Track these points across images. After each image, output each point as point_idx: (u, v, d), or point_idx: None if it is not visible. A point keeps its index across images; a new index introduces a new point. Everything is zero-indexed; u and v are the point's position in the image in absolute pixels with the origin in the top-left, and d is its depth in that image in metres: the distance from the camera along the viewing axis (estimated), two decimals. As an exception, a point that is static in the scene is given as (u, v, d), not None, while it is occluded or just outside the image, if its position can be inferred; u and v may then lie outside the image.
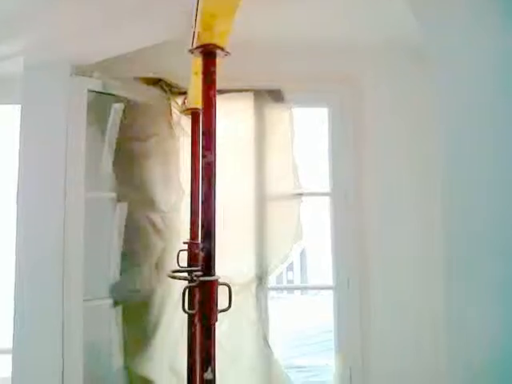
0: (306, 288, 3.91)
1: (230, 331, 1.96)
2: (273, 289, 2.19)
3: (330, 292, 2.15)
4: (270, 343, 2.01)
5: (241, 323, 1.99)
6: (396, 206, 2.09)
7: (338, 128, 2.19)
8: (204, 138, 1.30)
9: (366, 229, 2.09)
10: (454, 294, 0.91)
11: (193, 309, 1.29)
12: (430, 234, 2.02)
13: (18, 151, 1.79)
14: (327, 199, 2.17)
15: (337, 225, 2.14)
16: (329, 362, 2.11)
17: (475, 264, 0.86)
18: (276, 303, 2.25)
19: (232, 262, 1.92)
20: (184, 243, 1.95)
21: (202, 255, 1.29)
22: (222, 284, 1.32)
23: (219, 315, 1.38)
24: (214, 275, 1.30)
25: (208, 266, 1.28)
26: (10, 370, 1.72)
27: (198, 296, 1.27)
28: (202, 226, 1.29)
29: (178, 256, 1.93)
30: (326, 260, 2.26)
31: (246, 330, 1.99)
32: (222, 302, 1.31)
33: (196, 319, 1.28)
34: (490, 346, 0.80)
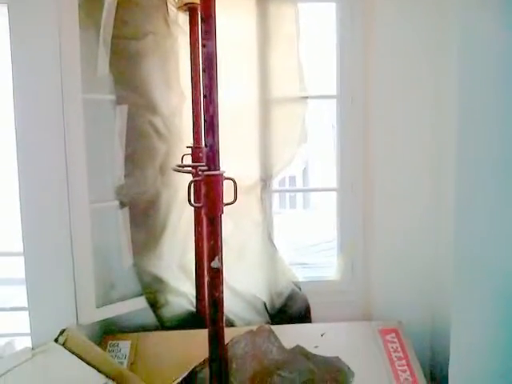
0: (309, 190, 3.98)
1: (236, 231, 2.01)
2: (277, 191, 2.20)
3: (333, 208, 2.17)
4: (274, 242, 2.08)
5: (246, 224, 2.04)
6: (404, 110, 2.03)
7: (346, 26, 2.05)
8: (203, 26, 1.22)
9: (371, 132, 2.06)
10: (463, 195, 0.89)
11: (199, 202, 1.31)
12: (439, 137, 1.99)
13: (9, 56, 1.71)
14: (333, 102, 2.11)
15: (342, 128, 2.10)
16: (331, 261, 2.20)
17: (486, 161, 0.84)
18: (278, 218, 2.29)
19: (236, 165, 1.91)
20: (187, 147, 1.95)
21: (206, 150, 1.28)
22: (227, 178, 1.33)
23: (224, 217, 1.42)
24: (218, 170, 1.30)
25: (213, 160, 1.28)
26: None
27: (203, 189, 1.28)
28: (205, 121, 1.26)
29: (182, 160, 1.94)
30: (328, 176, 2.25)
31: (251, 230, 2.05)
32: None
33: (202, 212, 1.30)
34: (499, 250, 0.80)
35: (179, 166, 1.70)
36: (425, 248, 2.07)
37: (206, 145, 1.27)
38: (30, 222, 1.74)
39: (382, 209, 2.07)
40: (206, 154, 1.28)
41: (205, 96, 1.23)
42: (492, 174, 0.79)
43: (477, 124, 0.81)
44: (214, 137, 1.26)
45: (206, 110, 1.23)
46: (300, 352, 1.37)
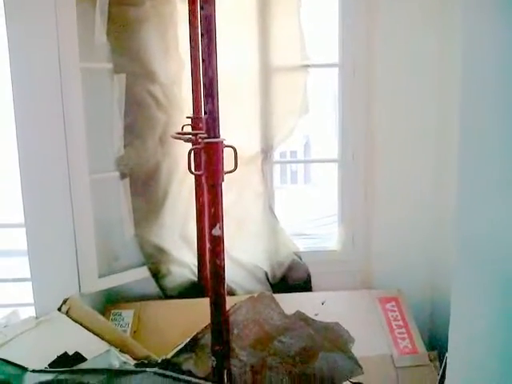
0: (310, 161, 3.96)
1: (237, 202, 2.01)
2: (278, 162, 2.19)
3: (334, 182, 2.15)
4: (275, 213, 2.08)
5: (247, 195, 2.04)
6: (407, 80, 2.00)
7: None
8: (202, -13, 1.19)
9: (374, 102, 2.03)
10: (466, 165, 0.87)
11: (199, 171, 1.30)
12: (443, 106, 1.96)
13: (5, 27, 1.68)
14: (335, 71, 2.07)
15: (344, 97, 2.07)
16: (332, 232, 2.20)
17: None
18: (279, 193, 2.28)
19: (237, 136, 1.90)
20: (187, 118, 1.92)
21: (205, 117, 1.27)
22: (227, 146, 1.32)
23: (225, 188, 1.41)
24: (218, 137, 1.28)
25: (212, 127, 1.26)
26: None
27: (203, 157, 1.27)
28: (204, 86, 1.24)
29: (182, 130, 1.92)
30: (329, 150, 2.23)
31: (252, 200, 2.05)
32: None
33: (203, 180, 1.30)
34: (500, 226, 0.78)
35: (179, 134, 1.68)
36: (426, 218, 2.08)
37: (205, 111, 1.25)
38: (30, 194, 1.74)
39: (383, 179, 2.07)
40: (206, 121, 1.26)
41: (203, 60, 1.21)
42: (499, 142, 0.78)
43: (482, 93, 0.79)
44: (213, 102, 1.24)
45: (205, 74, 1.21)
46: (300, 317, 1.38)
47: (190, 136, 1.56)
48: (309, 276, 2.10)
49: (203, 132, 1.28)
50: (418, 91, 2.00)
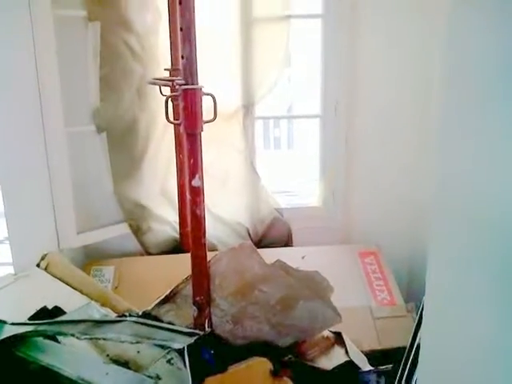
0: (292, 117, 3.94)
1: (218, 159, 1.99)
2: (260, 118, 2.16)
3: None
4: (256, 170, 2.06)
5: (228, 151, 2.02)
6: (392, 31, 1.95)
7: None
8: None
9: (357, 54, 1.99)
10: (448, 122, 0.86)
11: (178, 119, 1.27)
12: (428, 60, 1.93)
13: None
14: (318, 22, 2.02)
15: (327, 49, 2.02)
16: (313, 188, 2.21)
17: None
18: (262, 158, 2.26)
19: (217, 90, 1.86)
20: (165, 70, 1.86)
21: (183, 62, 1.22)
22: (206, 94, 1.28)
23: (206, 145, 1.38)
24: (196, 84, 1.24)
25: (190, 73, 1.22)
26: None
27: (181, 105, 1.24)
28: (181, 29, 1.19)
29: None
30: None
31: (234, 157, 2.03)
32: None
33: (181, 129, 1.27)
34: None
35: (155, 79, 1.63)
36: (406, 174, 2.09)
37: (182, 56, 1.21)
38: (3, 150, 1.68)
39: (365, 134, 2.06)
40: (183, 67, 1.22)
41: (180, 2, 1.15)
42: (482, 86, 0.76)
43: (466, 58, 0.77)
44: (191, 47, 1.19)
45: (182, 16, 1.16)
46: (280, 267, 1.39)
47: (167, 82, 1.51)
48: (290, 232, 2.12)
49: (181, 78, 1.24)
50: (404, 43, 1.96)
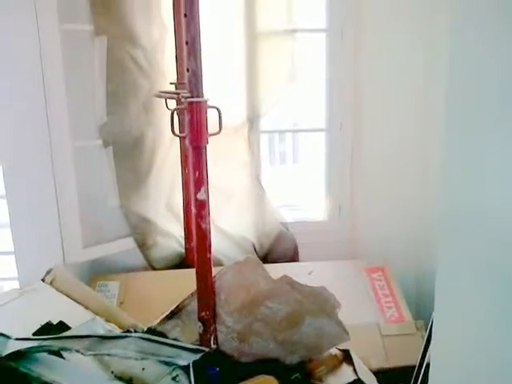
0: (298, 131, 3.92)
1: (223, 173, 1.98)
2: (265, 132, 2.16)
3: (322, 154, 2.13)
4: (262, 184, 2.05)
5: (233, 165, 2.01)
6: (395, 45, 1.96)
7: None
8: None
9: (361, 68, 1.99)
10: (452, 134, 0.85)
11: (183, 132, 1.27)
12: (430, 73, 1.93)
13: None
14: (323, 36, 2.03)
15: (332, 64, 2.03)
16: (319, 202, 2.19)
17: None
18: (268, 175, 2.26)
19: (222, 104, 1.86)
20: (171, 84, 1.87)
21: (188, 75, 1.23)
22: (211, 107, 1.28)
23: (212, 159, 1.38)
24: (202, 97, 1.24)
25: (195, 86, 1.22)
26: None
27: (187, 118, 1.23)
28: (186, 43, 1.20)
29: (165, 99, 1.87)
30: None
31: (239, 171, 2.02)
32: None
33: (187, 142, 1.26)
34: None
35: (161, 92, 1.63)
36: (413, 188, 2.07)
37: (188, 69, 1.21)
38: (10, 164, 1.69)
39: (371, 148, 2.05)
40: (189, 80, 1.22)
41: (185, 15, 1.16)
42: (488, 104, 0.75)
43: (470, 62, 0.77)
44: (196, 60, 1.20)
45: (188, 31, 1.16)
46: (287, 282, 1.37)
47: (173, 95, 1.52)
48: (296, 247, 2.10)
49: (186, 91, 1.24)
50: (407, 57, 1.96)
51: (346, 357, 1.50)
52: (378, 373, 1.57)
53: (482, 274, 0.78)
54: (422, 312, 2.06)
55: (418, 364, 1.45)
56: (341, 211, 2.12)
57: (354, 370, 1.45)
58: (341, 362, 1.48)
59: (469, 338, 0.82)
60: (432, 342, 1.03)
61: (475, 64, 0.78)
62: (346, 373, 1.45)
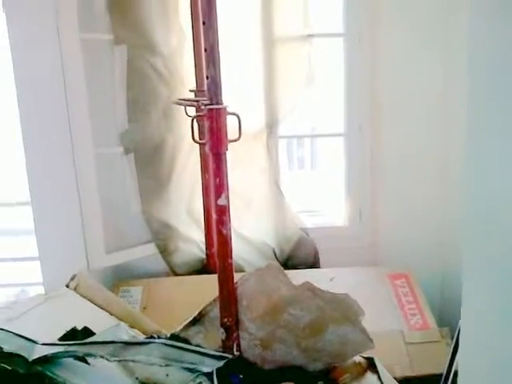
0: (316, 136, 3.90)
1: (243, 179, 1.98)
2: (283, 137, 2.15)
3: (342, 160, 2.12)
4: (281, 189, 2.05)
5: (252, 171, 2.01)
6: (413, 48, 1.94)
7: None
8: None
9: (379, 72, 1.98)
10: (474, 136, 0.83)
11: (203, 139, 1.28)
12: (449, 75, 1.90)
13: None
14: (340, 41, 2.02)
15: (350, 68, 2.01)
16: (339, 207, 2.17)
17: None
18: (287, 180, 2.25)
19: (241, 111, 1.87)
20: (190, 91, 1.89)
21: (208, 82, 1.23)
22: (230, 114, 1.29)
23: (231, 165, 1.38)
24: (221, 103, 1.25)
25: (215, 93, 1.23)
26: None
27: (206, 124, 1.24)
28: (205, 50, 1.20)
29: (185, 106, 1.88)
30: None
31: (258, 177, 2.02)
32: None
33: (207, 148, 1.27)
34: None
35: (181, 100, 1.65)
36: (434, 192, 2.03)
37: (207, 76, 1.22)
38: (35, 171, 1.72)
39: (391, 151, 2.03)
40: (208, 87, 1.22)
41: (203, 23, 1.17)
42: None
43: (489, 61, 0.75)
44: (215, 67, 1.20)
45: (206, 38, 1.17)
46: (308, 288, 1.35)
47: (193, 102, 1.53)
48: (316, 252, 2.08)
49: (205, 99, 1.25)
50: (424, 60, 1.94)
51: (370, 365, 1.47)
52: (402, 381, 1.54)
53: (509, 280, 0.75)
54: (446, 319, 2.01)
55: (445, 372, 1.41)
56: (361, 215, 2.10)
57: (379, 378, 1.43)
58: (365, 370, 1.46)
59: (498, 345, 0.79)
60: (459, 350, 1.00)
61: (494, 62, 0.76)
62: (370, 381, 1.43)
